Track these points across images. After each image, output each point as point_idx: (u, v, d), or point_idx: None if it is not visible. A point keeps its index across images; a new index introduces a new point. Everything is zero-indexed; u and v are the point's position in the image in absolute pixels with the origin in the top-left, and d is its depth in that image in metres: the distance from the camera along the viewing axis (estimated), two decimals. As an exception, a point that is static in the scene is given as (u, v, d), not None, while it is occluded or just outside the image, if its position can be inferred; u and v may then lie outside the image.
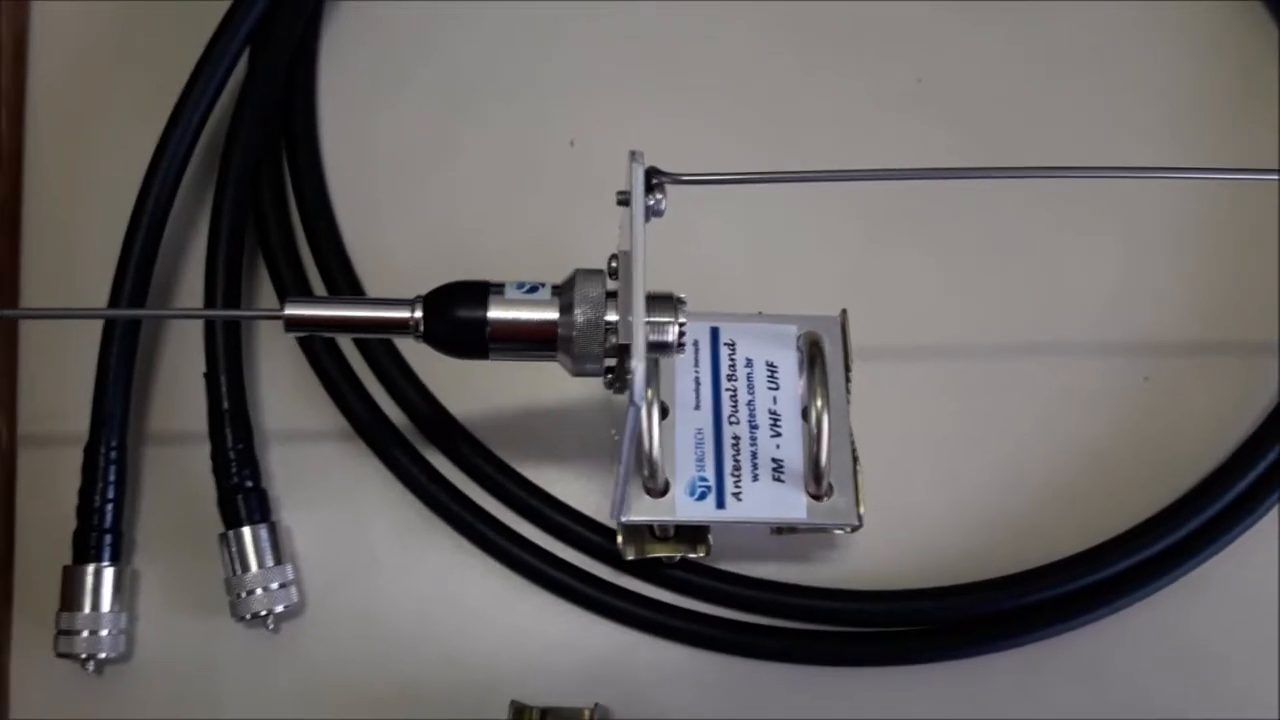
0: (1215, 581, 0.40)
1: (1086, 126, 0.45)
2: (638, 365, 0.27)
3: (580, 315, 0.31)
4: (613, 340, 0.31)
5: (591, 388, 0.41)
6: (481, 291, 0.31)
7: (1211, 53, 0.46)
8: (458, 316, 0.31)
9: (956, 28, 0.46)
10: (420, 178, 0.44)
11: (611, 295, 0.31)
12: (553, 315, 0.31)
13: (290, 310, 0.31)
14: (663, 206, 0.31)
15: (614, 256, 0.32)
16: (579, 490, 0.41)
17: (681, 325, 0.31)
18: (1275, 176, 0.40)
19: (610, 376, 0.32)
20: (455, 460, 0.41)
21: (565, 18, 0.46)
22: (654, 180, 0.30)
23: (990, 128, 0.45)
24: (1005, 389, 0.42)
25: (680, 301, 0.31)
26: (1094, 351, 0.43)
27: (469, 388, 0.42)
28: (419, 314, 0.31)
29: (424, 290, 0.33)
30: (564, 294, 0.31)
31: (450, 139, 0.45)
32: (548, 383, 0.41)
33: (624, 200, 0.31)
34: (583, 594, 0.40)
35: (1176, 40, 0.47)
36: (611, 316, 0.31)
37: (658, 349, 0.30)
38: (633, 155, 0.31)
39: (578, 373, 0.32)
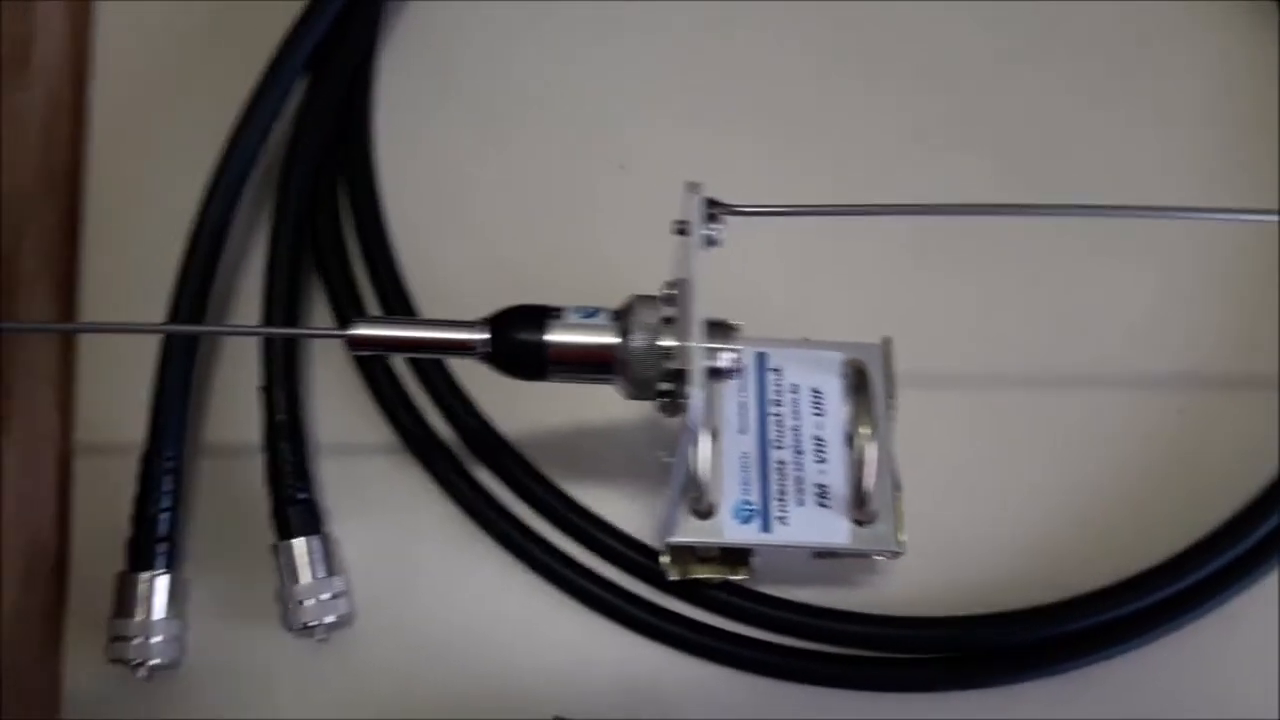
0: (1249, 614, 0.41)
1: (1124, 156, 0.46)
2: (696, 393, 0.28)
3: (637, 341, 0.32)
4: (668, 365, 0.31)
5: (636, 409, 0.42)
6: (541, 316, 0.32)
7: (1252, 81, 0.47)
8: (518, 339, 0.32)
9: (996, 59, 0.47)
10: (472, 198, 0.45)
11: (667, 321, 0.32)
12: (610, 340, 0.32)
13: (355, 330, 0.32)
14: (720, 237, 0.31)
15: (669, 283, 0.32)
16: (623, 510, 0.42)
17: (736, 353, 0.31)
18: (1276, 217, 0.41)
19: (664, 400, 0.33)
20: (502, 477, 0.42)
21: (618, 42, 0.47)
22: (711, 211, 0.31)
23: (1029, 157, 0.46)
24: (1040, 418, 0.43)
25: (735, 329, 0.32)
26: (1129, 382, 0.43)
27: (517, 406, 0.42)
28: (481, 336, 0.32)
29: (475, 309, 0.34)
30: (621, 319, 0.32)
31: (502, 160, 0.46)
32: (594, 403, 0.42)
33: (681, 230, 0.32)
34: (625, 612, 0.40)
35: (1214, 70, 0.47)
36: (667, 342, 0.31)
37: (713, 376, 0.31)
38: (690, 187, 0.31)
39: (632, 396, 0.33)
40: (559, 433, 0.43)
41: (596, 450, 0.43)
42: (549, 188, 0.45)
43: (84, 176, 0.45)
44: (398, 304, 0.43)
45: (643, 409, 0.42)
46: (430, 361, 0.42)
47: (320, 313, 0.44)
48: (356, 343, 0.32)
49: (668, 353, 0.31)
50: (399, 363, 0.43)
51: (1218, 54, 0.47)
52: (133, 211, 0.45)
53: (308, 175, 0.43)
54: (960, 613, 0.40)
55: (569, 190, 0.45)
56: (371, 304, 0.43)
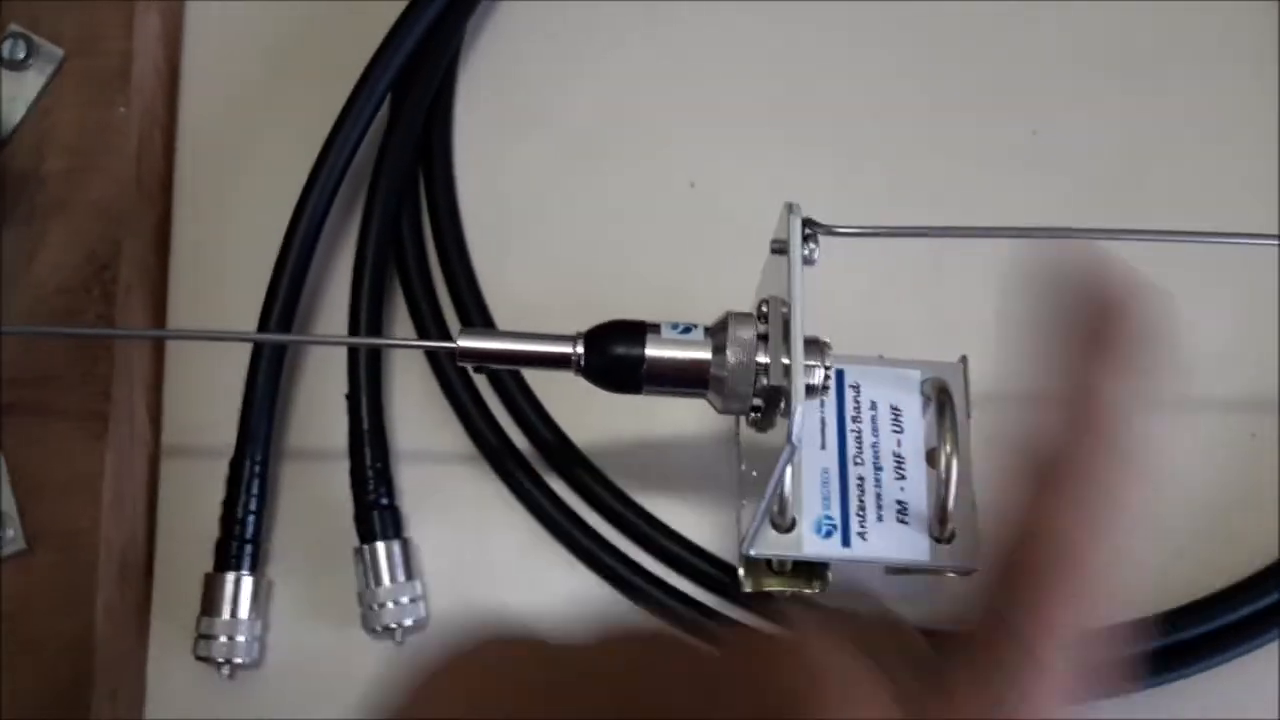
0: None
1: (1199, 181, 0.46)
2: (799, 410, 0.29)
3: (733, 356, 0.32)
4: (763, 381, 0.32)
5: (704, 422, 0.43)
6: (639, 330, 0.33)
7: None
8: (616, 354, 0.33)
9: (1071, 82, 0.48)
10: (546, 216, 0.46)
11: (762, 338, 0.32)
12: (706, 355, 0.33)
13: (463, 342, 0.33)
14: (816, 256, 0.32)
15: (764, 301, 0.33)
16: (691, 521, 0.42)
17: (828, 369, 0.32)
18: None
19: (755, 415, 0.33)
20: (575, 487, 0.43)
21: (688, 62, 0.48)
22: (808, 231, 0.32)
23: (1103, 179, 0.46)
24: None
25: (826, 346, 0.32)
26: (1201, 407, 0.44)
27: (589, 417, 0.43)
28: (580, 349, 0.33)
29: (550, 324, 0.34)
30: (716, 335, 0.33)
31: (575, 179, 0.47)
32: (663, 416, 0.43)
33: (779, 249, 0.33)
34: (694, 622, 0.41)
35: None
36: (762, 359, 0.32)
37: (807, 391, 0.32)
38: (789, 207, 0.32)
39: (724, 410, 0.33)
40: (630, 444, 0.43)
41: (666, 462, 0.43)
42: (620, 205, 0.46)
43: (174, 188, 0.46)
44: (479, 320, 0.44)
45: (711, 422, 0.43)
46: (508, 372, 0.43)
47: (399, 325, 0.45)
48: (463, 354, 0.33)
49: (764, 369, 0.32)
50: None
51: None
52: (220, 222, 0.46)
53: (392, 193, 0.44)
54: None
55: (640, 208, 0.46)
56: (451, 318, 0.44)
